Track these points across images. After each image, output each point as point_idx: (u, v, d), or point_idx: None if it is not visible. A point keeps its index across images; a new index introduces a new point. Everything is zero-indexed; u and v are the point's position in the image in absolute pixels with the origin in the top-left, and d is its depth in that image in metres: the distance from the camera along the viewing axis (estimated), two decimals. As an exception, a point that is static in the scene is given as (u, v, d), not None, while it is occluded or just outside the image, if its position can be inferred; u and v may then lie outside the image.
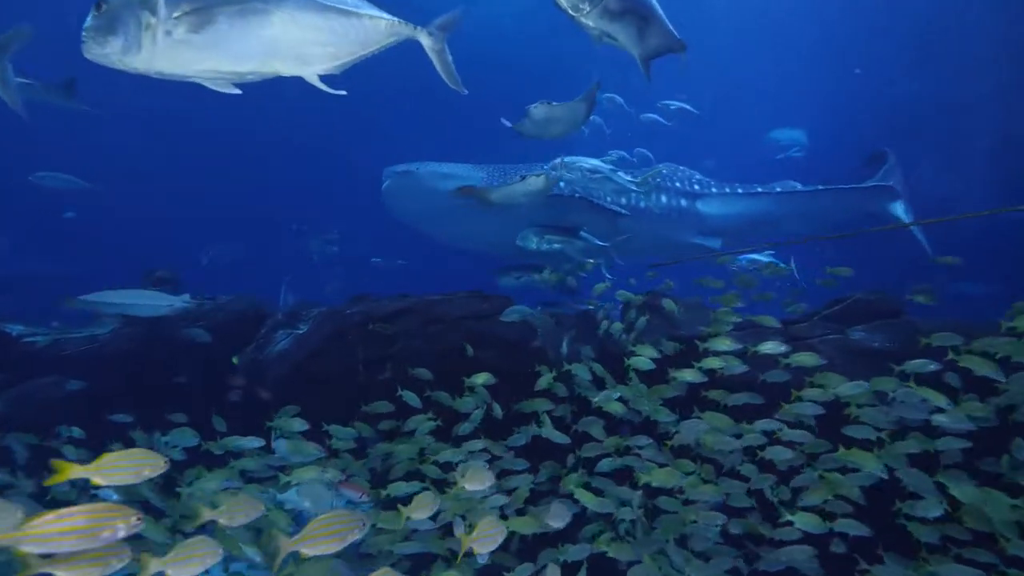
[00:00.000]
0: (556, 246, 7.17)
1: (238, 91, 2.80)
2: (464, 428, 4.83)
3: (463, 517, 3.95)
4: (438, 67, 3.19)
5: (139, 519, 2.40)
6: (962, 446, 3.87)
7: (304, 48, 2.77)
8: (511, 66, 14.87)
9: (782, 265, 6.39)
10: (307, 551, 2.79)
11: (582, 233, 7.32)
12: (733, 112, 17.62)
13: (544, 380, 4.96)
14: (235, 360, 6.13)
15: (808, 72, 17.25)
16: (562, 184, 7.31)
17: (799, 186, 8.48)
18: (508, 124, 6.00)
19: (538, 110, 5.44)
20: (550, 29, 15.26)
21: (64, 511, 2.27)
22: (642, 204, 7.81)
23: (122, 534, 2.36)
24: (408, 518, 3.53)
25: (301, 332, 6.07)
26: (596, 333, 5.93)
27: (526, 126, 5.60)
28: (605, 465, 4.54)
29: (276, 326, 6.45)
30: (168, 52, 2.49)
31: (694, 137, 16.91)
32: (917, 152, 13.64)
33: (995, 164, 14.15)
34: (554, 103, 5.44)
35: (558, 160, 6.88)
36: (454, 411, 5.00)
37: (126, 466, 2.60)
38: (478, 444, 4.62)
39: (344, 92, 2.94)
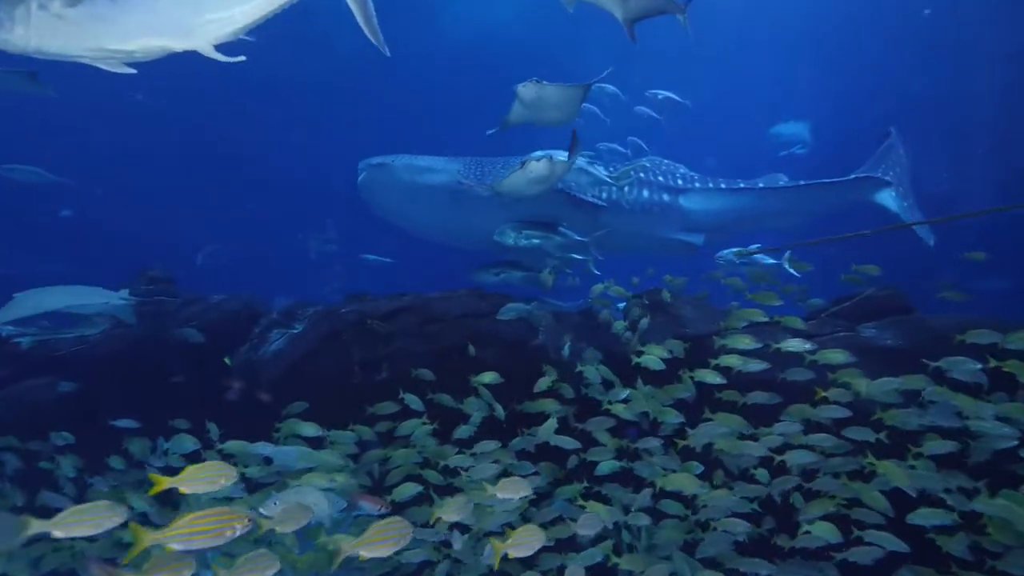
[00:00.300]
0: (535, 241, 6.88)
1: (132, 71, 2.56)
2: (463, 431, 4.67)
3: (458, 529, 3.82)
4: (358, 17, 2.81)
5: (250, 520, 2.75)
6: (1008, 445, 3.71)
7: (195, 17, 2.48)
8: (504, 64, 14.73)
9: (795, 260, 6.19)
10: (365, 554, 2.99)
11: (560, 228, 7.03)
12: (735, 109, 17.50)
13: (543, 382, 4.81)
14: (228, 361, 5.99)
15: (811, 69, 17.08)
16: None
17: (784, 178, 8.28)
18: (491, 132, 5.79)
19: (527, 89, 5.11)
20: (543, 25, 15.16)
21: (197, 514, 2.66)
22: (623, 198, 7.56)
23: (239, 533, 2.71)
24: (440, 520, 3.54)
25: (296, 332, 5.93)
26: (597, 332, 5.78)
27: (515, 111, 5.26)
28: (609, 468, 4.39)
29: (271, 325, 6.31)
30: (46, 28, 2.28)
31: (696, 133, 16.82)
32: (922, 148, 13.56)
33: (997, 160, 14.09)
34: (545, 82, 5.12)
35: (538, 153, 6.44)
36: (451, 412, 4.87)
37: (206, 476, 2.95)
38: (490, 445, 4.47)
39: (243, 58, 2.68)
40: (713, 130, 17.11)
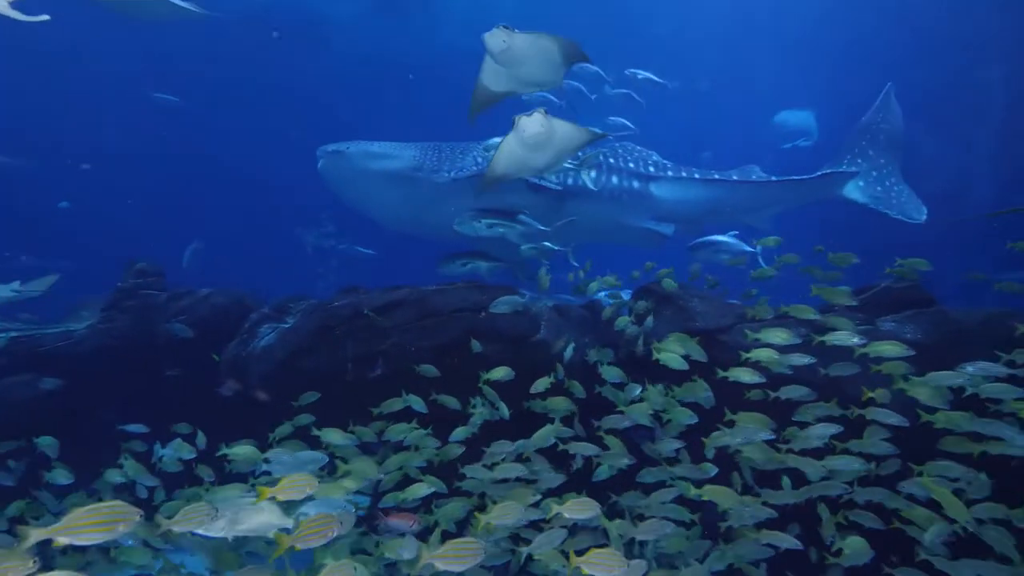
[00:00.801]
0: (499, 231, 6.49)
1: None
2: (460, 433, 4.41)
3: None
4: None
5: (340, 525, 3.13)
6: None
7: None
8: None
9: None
10: (440, 566, 3.09)
11: (522, 217, 6.64)
12: (738, 102, 17.23)
13: (543, 382, 4.54)
14: (216, 357, 5.75)
15: (816, 63, 16.81)
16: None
17: (758, 169, 8.04)
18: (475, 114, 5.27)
19: (495, 37, 4.29)
20: (543, 21, 14.85)
21: (309, 520, 3.07)
22: (590, 184, 7.20)
23: (335, 535, 3.08)
24: (489, 525, 3.45)
25: (286, 326, 5.68)
26: (599, 326, 5.53)
27: (487, 68, 4.59)
28: (608, 473, 4.13)
29: (261, 320, 6.07)
30: None
31: (694, 126, 16.54)
32: (930, 139, 13.37)
33: (1003, 150, 13.93)
34: (516, 30, 4.33)
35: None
36: (447, 410, 4.64)
37: (295, 487, 3.24)
38: (506, 446, 4.22)
39: (46, 17, 2.39)
40: (712, 123, 16.87)
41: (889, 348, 3.75)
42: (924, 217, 7.76)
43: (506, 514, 3.41)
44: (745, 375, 3.97)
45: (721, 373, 4.07)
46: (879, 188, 7.91)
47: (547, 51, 4.50)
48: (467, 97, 5.11)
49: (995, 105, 14.46)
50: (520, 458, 4.19)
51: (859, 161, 7.99)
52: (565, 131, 4.74)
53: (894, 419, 3.60)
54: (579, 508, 3.38)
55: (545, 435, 4.18)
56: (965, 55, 14.59)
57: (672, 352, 4.18)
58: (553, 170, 5.05)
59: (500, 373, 4.55)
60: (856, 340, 3.87)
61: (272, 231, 15.69)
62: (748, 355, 4.02)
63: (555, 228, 6.58)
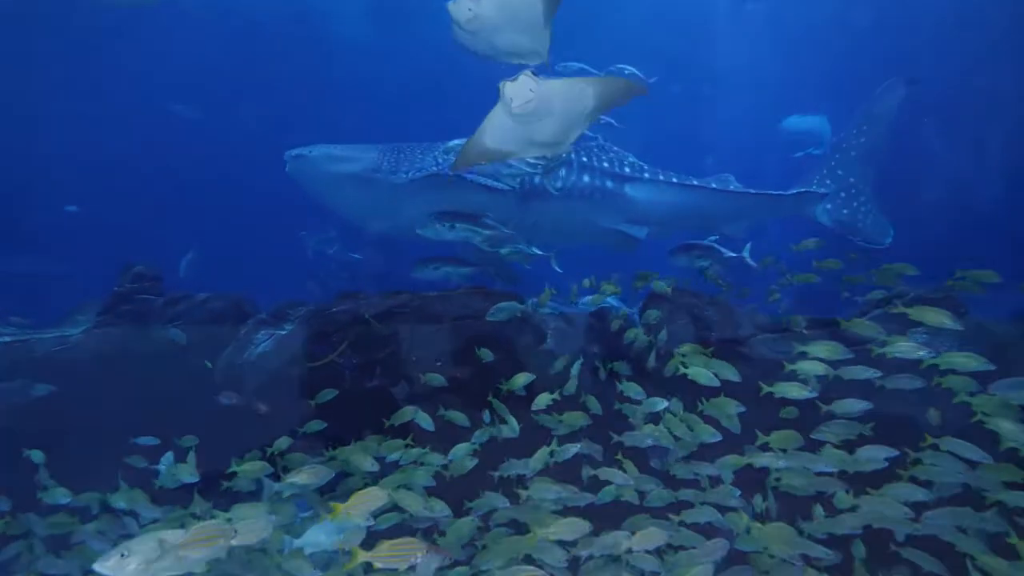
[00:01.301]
0: (463, 234, 6.29)
1: None
2: (459, 450, 4.20)
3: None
4: None
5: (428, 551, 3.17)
6: None
7: None
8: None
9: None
10: None
11: (486, 220, 6.40)
12: (741, 105, 17.00)
13: (543, 399, 4.34)
14: (208, 365, 5.58)
15: (825, 63, 16.58)
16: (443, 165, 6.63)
17: (733, 179, 7.91)
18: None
19: (459, 6, 3.61)
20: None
21: (394, 543, 3.12)
22: (558, 183, 7.08)
23: (420, 561, 3.09)
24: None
25: (283, 333, 5.50)
26: (608, 337, 5.30)
27: (460, 37, 3.97)
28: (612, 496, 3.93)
29: (258, 326, 5.89)
30: None
31: (698, 131, 16.32)
32: (937, 138, 13.15)
33: (1011, 149, 13.71)
34: None
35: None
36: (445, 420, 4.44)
37: (367, 501, 3.34)
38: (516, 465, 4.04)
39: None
40: (714, 127, 16.63)
41: (963, 360, 3.35)
42: (889, 240, 7.64)
43: (566, 531, 3.28)
44: (793, 390, 3.68)
45: (766, 388, 3.78)
46: (845, 211, 7.78)
47: (524, 9, 3.76)
48: (468, 100, 4.87)
49: (1004, 107, 14.26)
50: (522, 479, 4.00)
51: (828, 182, 7.86)
52: (566, 92, 3.77)
53: (975, 454, 3.25)
54: (649, 539, 3.20)
55: (542, 457, 3.98)
56: (982, 51, 14.40)
57: (700, 368, 3.92)
58: (569, 142, 4.11)
59: (521, 380, 4.34)
60: (923, 353, 3.51)
61: (270, 234, 15.59)
62: (794, 366, 3.76)
63: (524, 229, 6.42)
